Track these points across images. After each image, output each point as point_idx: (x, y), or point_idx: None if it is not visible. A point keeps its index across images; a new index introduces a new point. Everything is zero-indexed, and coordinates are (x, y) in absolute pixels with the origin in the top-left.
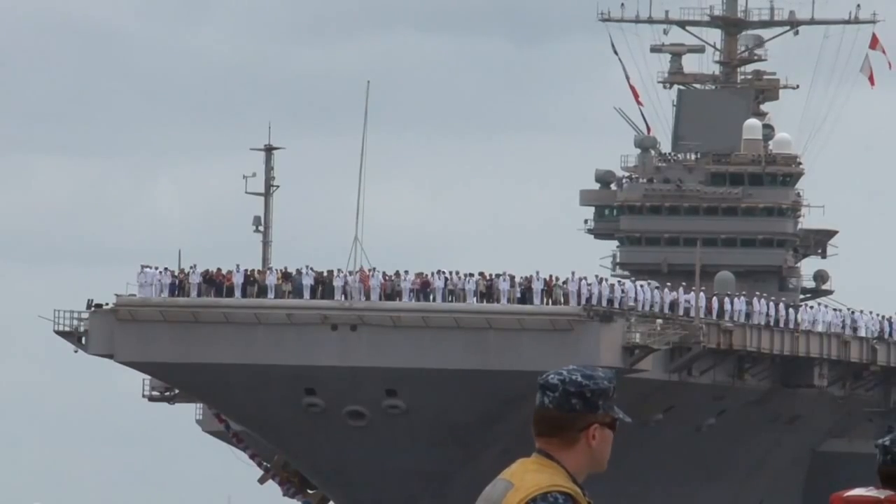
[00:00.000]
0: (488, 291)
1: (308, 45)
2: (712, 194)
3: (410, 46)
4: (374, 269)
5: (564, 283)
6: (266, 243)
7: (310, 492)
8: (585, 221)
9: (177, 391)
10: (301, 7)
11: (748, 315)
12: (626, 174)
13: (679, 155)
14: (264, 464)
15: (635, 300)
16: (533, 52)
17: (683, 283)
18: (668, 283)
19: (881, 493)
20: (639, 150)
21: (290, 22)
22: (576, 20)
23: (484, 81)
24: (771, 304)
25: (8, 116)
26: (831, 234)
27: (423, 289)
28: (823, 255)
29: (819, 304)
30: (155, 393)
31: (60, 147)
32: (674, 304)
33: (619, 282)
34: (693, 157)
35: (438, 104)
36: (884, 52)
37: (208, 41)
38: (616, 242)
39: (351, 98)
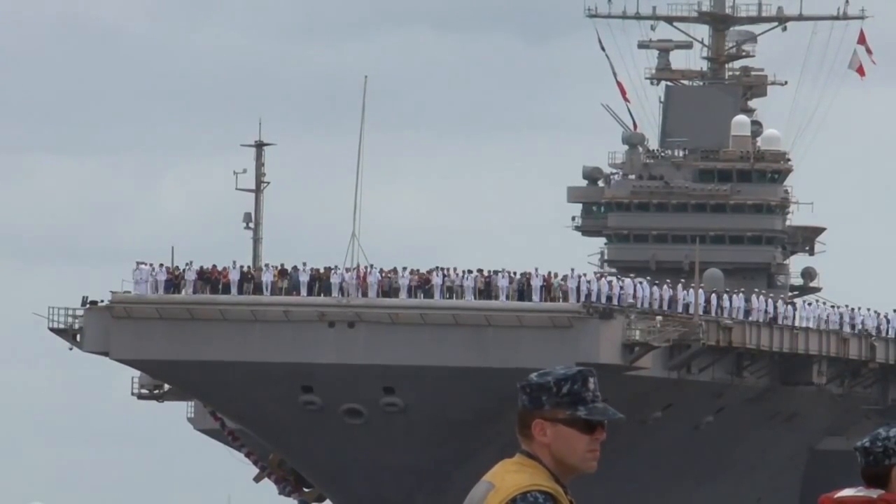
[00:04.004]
0: (487, 288)
1: (304, 43)
2: (700, 191)
3: (405, 45)
4: (372, 265)
5: (563, 279)
6: (257, 240)
7: (306, 490)
8: (573, 218)
9: (166, 389)
10: (299, 5)
11: (747, 312)
12: (614, 171)
13: (667, 151)
14: (260, 462)
15: (634, 297)
16: (522, 49)
17: (682, 280)
18: (668, 280)
19: (873, 493)
20: (626, 147)
21: (288, 20)
22: (564, 17)
23: (477, 80)
24: (769, 300)
25: (6, 116)
26: (819, 230)
27: (422, 286)
28: (811, 253)
29: (817, 300)
30: (144, 391)
31: (55, 146)
32: (672, 301)
33: (618, 278)
34: (681, 153)
35: (433, 102)
36: (868, 50)
37: (204, 40)
38: (604, 239)
39: (346, 95)
